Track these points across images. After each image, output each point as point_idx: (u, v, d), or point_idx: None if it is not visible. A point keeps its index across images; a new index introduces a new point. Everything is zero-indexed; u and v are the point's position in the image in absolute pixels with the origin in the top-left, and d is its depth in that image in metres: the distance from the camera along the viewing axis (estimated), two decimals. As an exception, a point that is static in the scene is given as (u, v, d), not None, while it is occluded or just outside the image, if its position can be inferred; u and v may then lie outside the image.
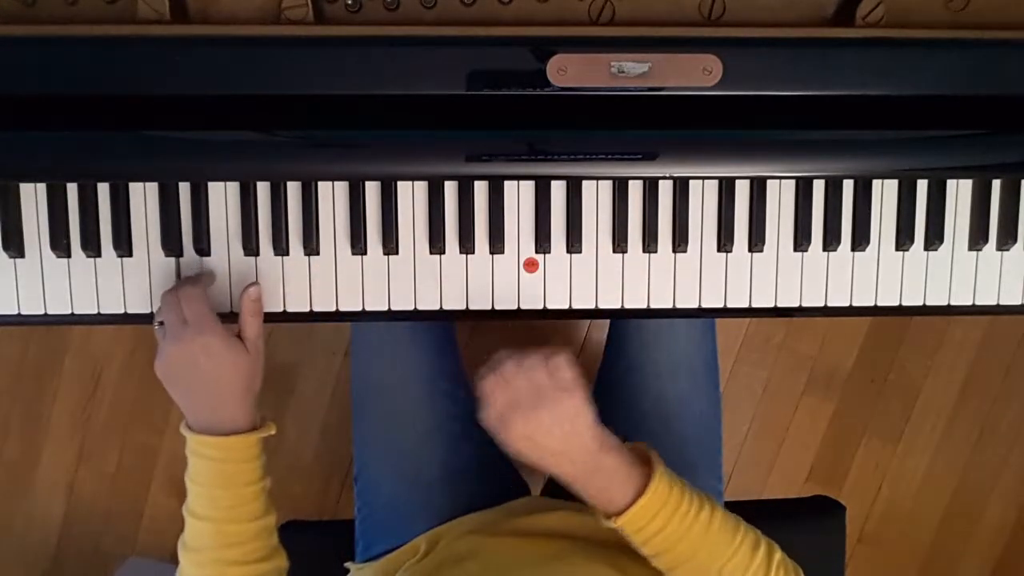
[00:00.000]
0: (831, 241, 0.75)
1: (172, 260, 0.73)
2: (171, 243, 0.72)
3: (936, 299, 0.77)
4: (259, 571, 0.68)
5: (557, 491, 0.92)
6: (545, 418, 0.64)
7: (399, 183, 0.73)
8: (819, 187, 0.75)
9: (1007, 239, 0.76)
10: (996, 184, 0.75)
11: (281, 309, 0.74)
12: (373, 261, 0.74)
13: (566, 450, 0.65)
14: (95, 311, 0.74)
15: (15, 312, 0.73)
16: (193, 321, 0.67)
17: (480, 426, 0.67)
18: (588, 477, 0.66)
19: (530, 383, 0.64)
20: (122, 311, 0.74)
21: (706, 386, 0.88)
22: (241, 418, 0.69)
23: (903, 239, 0.75)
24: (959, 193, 0.76)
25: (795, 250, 0.75)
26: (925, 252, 0.76)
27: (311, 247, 0.73)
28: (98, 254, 0.73)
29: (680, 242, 0.74)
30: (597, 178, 0.73)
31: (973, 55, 0.68)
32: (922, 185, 0.75)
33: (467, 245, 0.74)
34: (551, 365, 0.65)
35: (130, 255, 0.73)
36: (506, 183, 0.73)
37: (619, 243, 0.74)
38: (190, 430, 0.69)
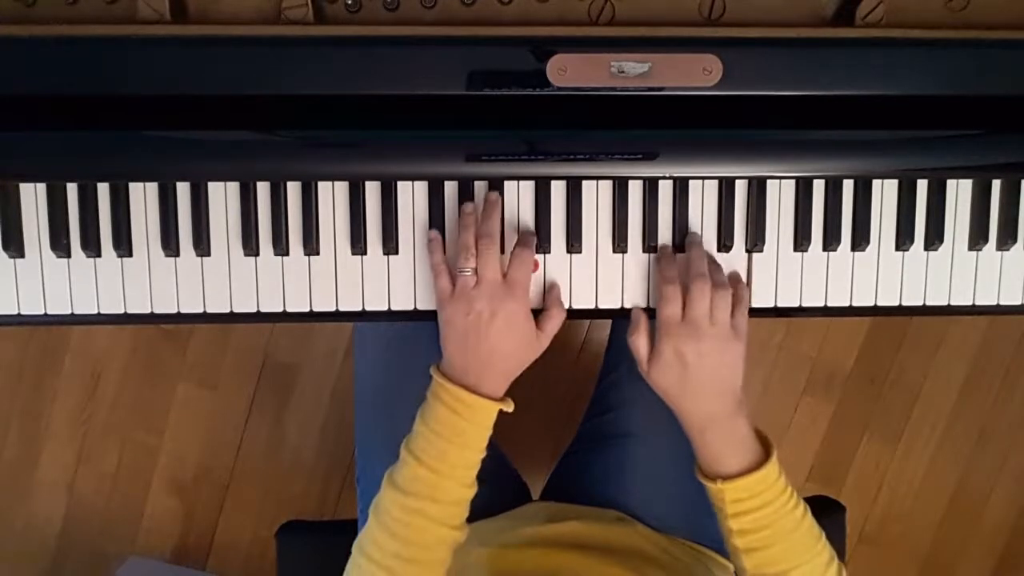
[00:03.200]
0: (831, 241, 0.75)
1: (172, 260, 0.73)
2: (171, 243, 0.72)
3: (936, 299, 0.77)
4: (451, 536, 0.68)
5: (557, 493, 0.93)
6: (710, 349, 0.67)
7: (399, 183, 0.73)
8: (819, 187, 0.75)
9: (1007, 239, 0.76)
10: (996, 184, 0.75)
11: (281, 309, 0.74)
12: (373, 261, 0.74)
13: (712, 393, 0.68)
14: (95, 311, 0.74)
15: (15, 312, 0.73)
16: (513, 286, 0.68)
17: None
18: (716, 429, 0.68)
19: (715, 314, 0.68)
20: (122, 311, 0.74)
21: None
22: (497, 390, 0.69)
23: (903, 239, 0.75)
24: (959, 193, 0.76)
25: (795, 250, 0.75)
26: (925, 252, 0.76)
27: (311, 247, 0.73)
28: (98, 254, 0.73)
29: (680, 242, 0.74)
30: (597, 178, 0.73)
31: (973, 55, 0.68)
32: (922, 185, 0.75)
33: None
34: (739, 308, 0.70)
35: (130, 255, 0.73)
36: (506, 183, 0.73)
37: (619, 243, 0.74)
38: (445, 377, 0.69)
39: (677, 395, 0.69)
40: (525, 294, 0.69)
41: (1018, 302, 0.77)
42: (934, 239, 0.75)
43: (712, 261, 0.73)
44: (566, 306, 0.74)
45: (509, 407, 0.70)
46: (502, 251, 0.74)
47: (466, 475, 0.69)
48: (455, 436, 0.67)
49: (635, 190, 0.74)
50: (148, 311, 0.74)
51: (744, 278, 0.75)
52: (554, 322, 0.71)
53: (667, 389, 0.70)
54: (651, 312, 0.74)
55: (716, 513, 0.70)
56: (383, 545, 0.67)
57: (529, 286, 0.70)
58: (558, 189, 0.74)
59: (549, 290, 0.74)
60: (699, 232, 0.75)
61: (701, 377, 0.68)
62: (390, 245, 0.73)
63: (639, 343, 0.71)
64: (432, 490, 0.67)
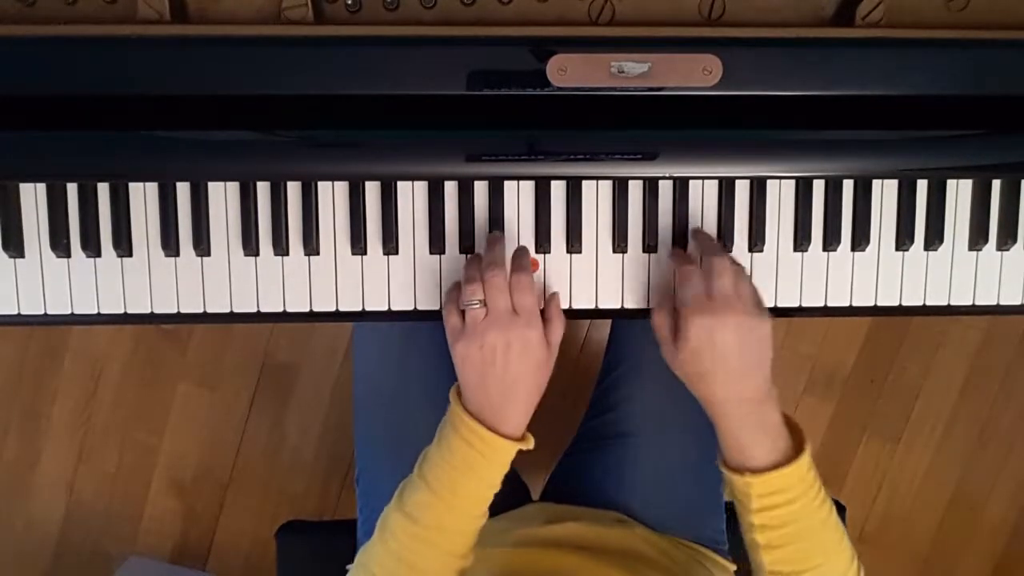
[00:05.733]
0: (831, 241, 0.75)
1: (172, 260, 0.73)
2: (171, 243, 0.72)
3: (936, 299, 0.77)
4: (456, 564, 0.66)
5: (557, 494, 0.93)
6: (738, 324, 0.64)
7: (399, 183, 0.73)
8: (819, 187, 0.75)
9: (1007, 239, 0.76)
10: (996, 184, 0.75)
11: (281, 309, 0.74)
12: (373, 261, 0.74)
13: (742, 373, 0.64)
14: (95, 311, 0.74)
15: (15, 312, 0.73)
16: (523, 313, 0.65)
17: None
18: (744, 415, 0.65)
19: (740, 289, 0.65)
20: (122, 311, 0.74)
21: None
22: (519, 423, 0.67)
23: (903, 239, 0.75)
24: (959, 193, 0.76)
25: (795, 250, 0.75)
26: (925, 252, 0.76)
27: (311, 247, 0.73)
28: (98, 254, 0.73)
29: (680, 242, 0.74)
30: (597, 178, 0.73)
31: (973, 55, 0.68)
32: (922, 185, 0.75)
33: (467, 245, 0.74)
34: (757, 296, 0.67)
35: (130, 255, 0.73)
36: (506, 183, 0.73)
37: (619, 243, 0.74)
38: (465, 409, 0.66)
39: (705, 379, 0.66)
40: (536, 317, 0.66)
41: (1018, 302, 0.77)
42: (934, 239, 0.75)
43: (723, 247, 0.72)
44: (566, 306, 0.74)
45: (529, 445, 0.67)
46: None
47: (477, 508, 0.67)
48: (470, 471, 0.65)
49: (635, 190, 0.74)
50: (148, 311, 0.74)
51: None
52: (557, 332, 0.69)
53: (695, 373, 0.66)
54: (644, 312, 0.74)
55: (737, 505, 0.67)
56: (386, 566, 0.66)
57: (537, 309, 0.67)
58: (558, 189, 0.74)
59: (549, 300, 0.73)
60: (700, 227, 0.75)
61: (732, 355, 0.64)
62: (390, 245, 0.73)
63: (661, 322, 0.69)
64: (440, 520, 0.65)
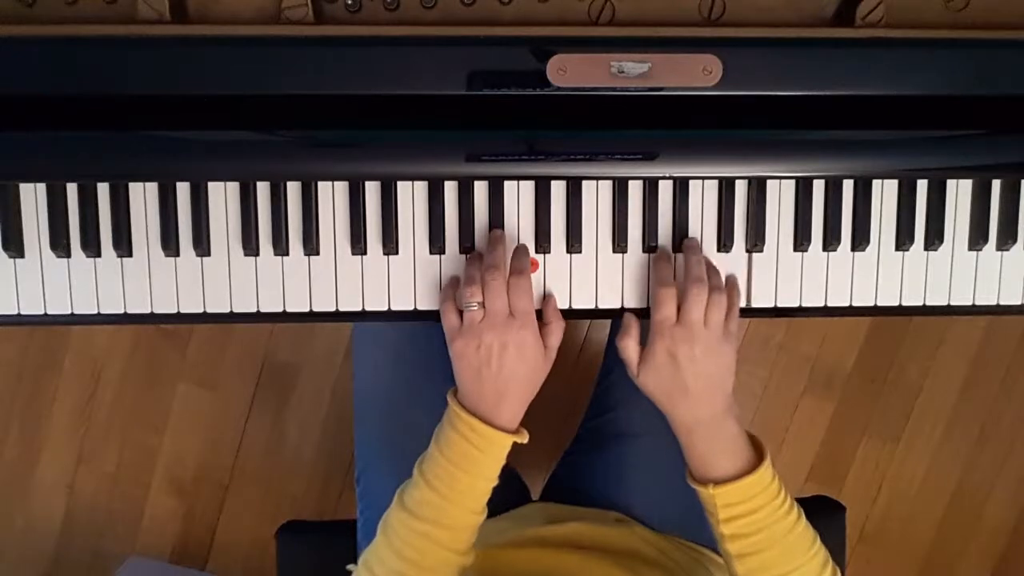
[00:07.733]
0: (831, 241, 0.75)
1: (172, 260, 0.73)
2: (171, 243, 0.72)
3: (936, 299, 0.77)
4: (456, 561, 0.68)
5: (557, 494, 0.93)
6: (703, 352, 0.67)
7: (399, 183, 0.73)
8: (819, 187, 0.75)
9: (1007, 239, 0.76)
10: (996, 184, 0.75)
11: (281, 309, 0.74)
12: (373, 261, 0.74)
13: (703, 396, 0.67)
14: (95, 311, 0.74)
15: (15, 312, 0.73)
16: (519, 315, 0.67)
17: None
18: (706, 432, 0.68)
19: (710, 318, 0.68)
20: (122, 311, 0.74)
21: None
22: (513, 419, 0.69)
23: (903, 239, 0.75)
24: (959, 193, 0.76)
25: (795, 250, 0.75)
26: (925, 252, 0.76)
27: (311, 247, 0.73)
28: (98, 254, 0.73)
29: (680, 242, 0.74)
30: (597, 178, 0.73)
31: (973, 55, 0.68)
32: (922, 185, 0.75)
33: (467, 245, 0.74)
34: (732, 313, 0.70)
35: (130, 255, 0.73)
36: (506, 183, 0.73)
37: (619, 243, 0.74)
38: (461, 406, 0.68)
39: (667, 398, 0.69)
40: (532, 320, 0.68)
41: (1018, 302, 0.77)
42: (934, 239, 0.75)
43: (709, 265, 0.72)
44: (565, 306, 0.74)
45: (523, 439, 0.69)
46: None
47: (475, 503, 0.68)
48: (468, 465, 0.67)
49: (635, 190, 0.74)
50: (148, 311, 0.74)
51: (744, 278, 0.75)
52: (556, 336, 0.71)
53: (657, 392, 0.69)
54: (644, 312, 0.74)
55: (708, 518, 0.70)
56: (389, 564, 0.67)
57: (533, 313, 0.69)
58: (558, 189, 0.74)
59: (545, 302, 0.73)
60: (699, 232, 0.75)
61: (692, 380, 0.67)
62: (390, 245, 0.73)
63: (628, 346, 0.71)
64: (440, 515, 0.67)
